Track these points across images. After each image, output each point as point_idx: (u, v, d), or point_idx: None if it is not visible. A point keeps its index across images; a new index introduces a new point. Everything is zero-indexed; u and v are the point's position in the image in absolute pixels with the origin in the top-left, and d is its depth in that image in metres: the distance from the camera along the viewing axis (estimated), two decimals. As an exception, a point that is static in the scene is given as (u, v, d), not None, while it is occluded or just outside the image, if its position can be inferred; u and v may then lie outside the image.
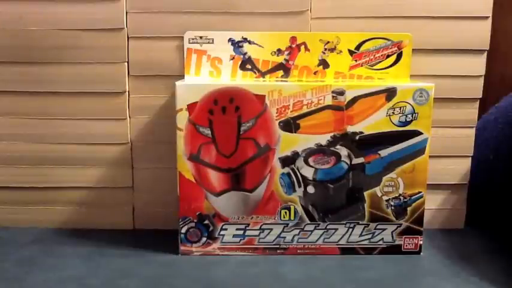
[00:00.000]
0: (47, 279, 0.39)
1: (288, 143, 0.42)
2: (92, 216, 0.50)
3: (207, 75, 0.47)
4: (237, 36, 0.46)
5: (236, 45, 0.46)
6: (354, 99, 0.42)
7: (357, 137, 0.42)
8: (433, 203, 0.50)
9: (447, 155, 0.50)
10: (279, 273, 0.41)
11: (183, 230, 0.44)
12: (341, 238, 0.44)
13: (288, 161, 0.43)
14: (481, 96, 0.49)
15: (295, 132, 0.42)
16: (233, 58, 0.47)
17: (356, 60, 0.47)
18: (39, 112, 0.48)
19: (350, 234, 0.44)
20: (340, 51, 0.47)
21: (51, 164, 0.49)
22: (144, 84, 0.48)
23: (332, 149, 0.42)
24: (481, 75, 0.49)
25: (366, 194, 0.43)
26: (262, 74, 0.47)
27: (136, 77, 0.48)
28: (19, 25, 0.47)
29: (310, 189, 0.43)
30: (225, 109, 0.41)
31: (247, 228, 0.44)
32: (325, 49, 0.47)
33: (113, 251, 0.45)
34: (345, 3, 0.47)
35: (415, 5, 0.47)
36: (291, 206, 0.43)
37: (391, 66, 0.47)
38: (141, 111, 0.49)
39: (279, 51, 0.46)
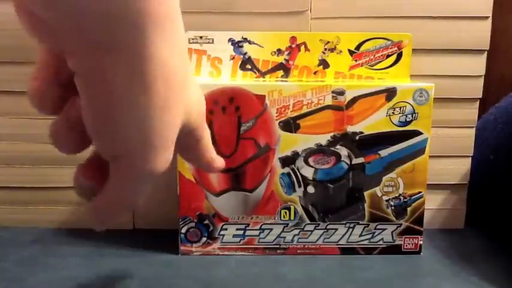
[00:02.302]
0: (47, 279, 0.39)
1: (288, 143, 0.42)
2: (92, 216, 0.50)
3: (207, 75, 0.47)
4: (237, 36, 0.46)
5: (236, 45, 0.46)
6: (354, 99, 0.42)
7: (357, 137, 0.42)
8: (433, 203, 0.50)
9: (447, 155, 0.50)
10: (279, 273, 0.41)
11: (183, 230, 0.44)
12: (341, 238, 0.44)
13: (288, 161, 0.43)
14: (481, 96, 0.49)
15: (295, 132, 0.42)
16: (233, 58, 0.47)
17: (356, 60, 0.47)
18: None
19: (350, 234, 0.44)
20: (340, 51, 0.47)
21: (51, 164, 0.49)
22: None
23: (332, 149, 0.42)
24: (481, 75, 0.49)
25: (366, 194, 0.43)
26: (262, 74, 0.47)
27: (136, 77, 0.48)
28: (19, 25, 0.46)
29: (310, 189, 0.43)
30: (225, 109, 0.41)
31: (247, 228, 0.44)
32: (325, 49, 0.47)
33: (113, 251, 0.45)
34: (345, 3, 0.47)
35: (415, 5, 0.47)
36: (291, 206, 0.43)
37: (391, 66, 0.47)
38: (141, 111, 0.48)
39: (279, 51, 0.46)
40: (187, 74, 0.23)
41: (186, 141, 0.26)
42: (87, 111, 0.21)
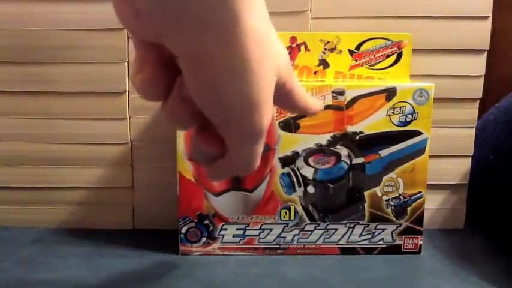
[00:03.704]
0: (47, 279, 0.39)
1: (288, 143, 0.42)
2: (92, 216, 0.50)
3: (207, 75, 0.47)
4: (237, 36, 0.46)
5: (236, 45, 0.46)
6: (354, 99, 0.42)
7: (357, 137, 0.42)
8: (433, 203, 0.50)
9: (447, 155, 0.50)
10: (279, 273, 0.41)
11: (183, 230, 0.44)
12: (341, 238, 0.44)
13: (288, 161, 0.43)
14: (481, 96, 0.49)
15: (295, 132, 0.42)
16: (233, 58, 0.47)
17: (356, 60, 0.47)
18: (39, 112, 0.48)
19: (350, 234, 0.44)
20: (340, 51, 0.47)
21: (51, 164, 0.49)
22: (144, 84, 0.48)
23: (332, 149, 0.42)
24: (481, 75, 0.49)
25: (366, 194, 0.43)
26: (262, 74, 0.47)
27: (137, 77, 0.48)
28: (19, 25, 0.47)
29: (310, 189, 0.43)
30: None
31: (247, 228, 0.44)
32: (325, 49, 0.47)
33: (113, 251, 0.45)
34: (345, 3, 0.47)
35: (415, 5, 0.47)
36: (291, 206, 0.43)
37: (391, 66, 0.47)
38: (141, 111, 0.49)
39: (279, 51, 0.46)
40: (270, 33, 0.25)
41: (280, 94, 0.28)
42: (192, 86, 0.24)
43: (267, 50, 0.24)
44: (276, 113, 0.42)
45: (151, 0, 0.21)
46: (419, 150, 0.43)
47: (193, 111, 0.25)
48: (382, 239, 0.44)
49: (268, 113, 0.25)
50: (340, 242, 0.44)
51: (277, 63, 0.26)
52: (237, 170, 0.28)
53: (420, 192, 0.44)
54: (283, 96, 0.29)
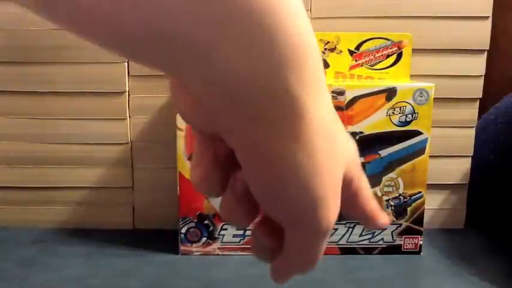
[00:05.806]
0: (47, 279, 0.39)
1: (288, 143, 0.42)
2: (92, 216, 0.50)
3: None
4: (237, 36, 0.46)
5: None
6: (354, 99, 0.42)
7: (357, 137, 0.42)
8: (433, 203, 0.50)
9: (447, 155, 0.50)
10: (279, 273, 0.41)
11: (183, 230, 0.44)
12: (341, 238, 0.44)
13: (288, 161, 0.42)
14: (481, 96, 0.49)
15: (295, 132, 0.42)
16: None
17: (356, 60, 0.47)
18: (39, 112, 0.48)
19: (350, 234, 0.44)
20: (340, 51, 0.47)
21: (51, 164, 0.49)
22: (144, 84, 0.48)
23: (332, 149, 0.42)
24: (481, 75, 0.49)
25: (366, 194, 0.43)
26: (262, 74, 0.47)
27: (136, 77, 0.48)
28: (19, 25, 0.47)
29: (310, 189, 0.43)
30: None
31: (247, 228, 0.44)
32: (325, 49, 0.47)
33: (113, 251, 0.45)
34: (345, 3, 0.47)
35: (415, 5, 0.47)
36: (291, 206, 0.43)
37: (391, 66, 0.47)
38: (141, 111, 0.49)
39: (279, 51, 0.46)
40: (337, 124, 0.23)
41: (346, 192, 0.25)
42: (254, 184, 0.22)
43: (334, 143, 0.22)
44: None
45: (214, 97, 0.20)
46: (419, 150, 0.43)
47: (250, 209, 0.24)
48: (382, 239, 0.44)
49: (336, 208, 0.23)
50: (340, 242, 0.44)
51: (344, 156, 0.24)
52: (300, 268, 0.26)
53: (420, 192, 0.44)
54: (349, 194, 0.26)
